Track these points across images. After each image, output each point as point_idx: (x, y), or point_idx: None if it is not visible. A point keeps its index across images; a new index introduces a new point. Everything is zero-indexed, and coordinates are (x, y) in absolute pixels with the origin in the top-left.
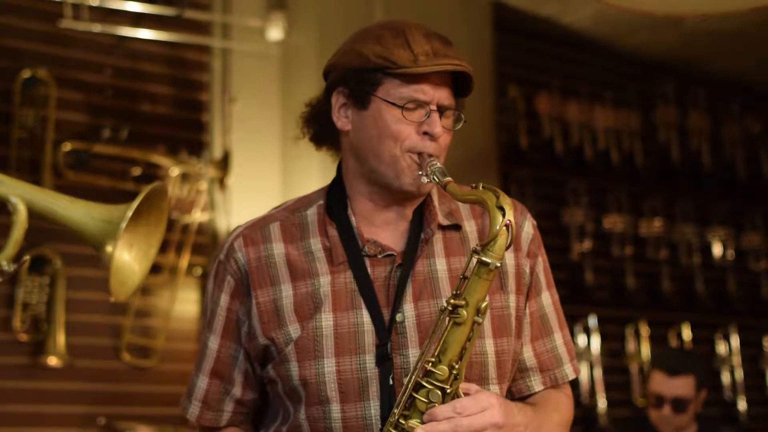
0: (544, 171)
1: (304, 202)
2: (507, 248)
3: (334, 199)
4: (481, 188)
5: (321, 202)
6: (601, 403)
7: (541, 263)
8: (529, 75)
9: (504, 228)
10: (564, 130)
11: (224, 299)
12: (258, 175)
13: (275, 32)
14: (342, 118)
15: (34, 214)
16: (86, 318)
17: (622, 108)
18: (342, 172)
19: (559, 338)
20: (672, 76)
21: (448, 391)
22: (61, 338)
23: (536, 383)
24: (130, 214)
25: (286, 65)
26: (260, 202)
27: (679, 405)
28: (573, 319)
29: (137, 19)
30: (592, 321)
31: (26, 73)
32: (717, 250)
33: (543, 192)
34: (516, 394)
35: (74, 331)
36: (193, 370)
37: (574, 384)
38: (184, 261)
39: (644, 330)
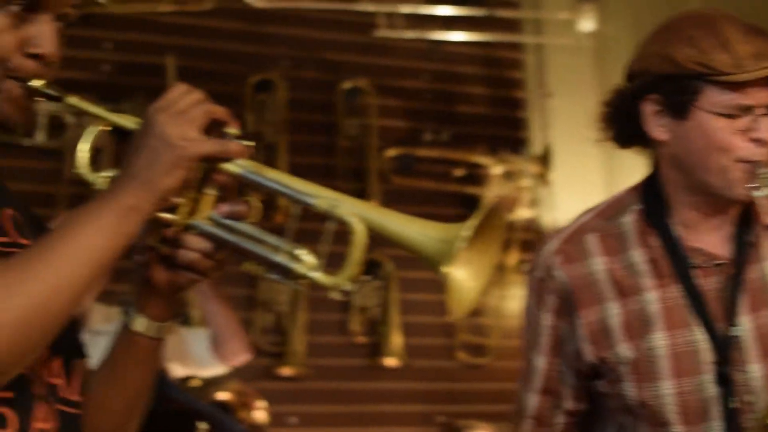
0: None
1: (618, 207)
2: None
3: (652, 206)
4: None
5: (635, 207)
6: None
7: None
8: None
9: None
10: None
11: (547, 318)
12: (580, 168)
13: (587, 23)
14: (657, 128)
15: (371, 233)
16: (420, 319)
17: None
18: (658, 178)
19: None
20: None
21: None
22: (397, 339)
23: None
24: (468, 234)
25: (601, 56)
26: (584, 196)
27: None
28: None
29: (449, 23)
30: None
31: (347, 84)
32: None
33: None
34: None
35: (409, 332)
36: (519, 386)
37: None
38: (512, 258)
39: None
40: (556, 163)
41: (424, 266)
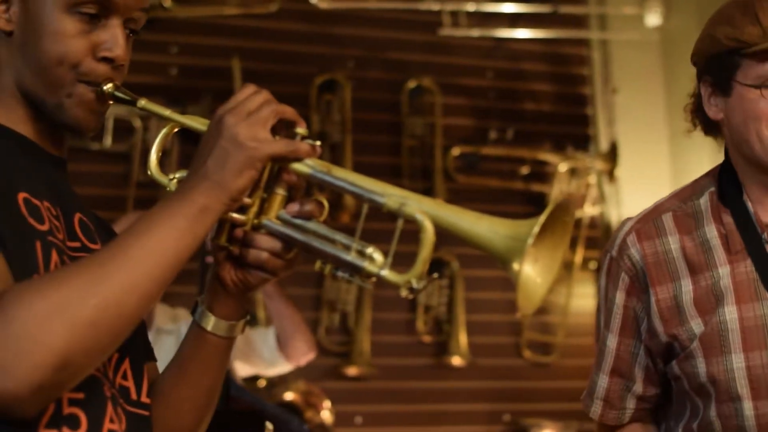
0: None
1: (695, 189)
2: None
3: (727, 186)
4: None
5: (712, 188)
6: None
7: None
8: None
9: None
10: None
11: (620, 297)
12: (647, 164)
13: (653, 18)
14: (712, 108)
15: (439, 230)
16: (485, 317)
17: None
18: (731, 158)
19: None
20: None
21: None
22: (462, 338)
23: None
24: (537, 230)
25: (667, 51)
26: (651, 192)
27: None
28: None
29: (514, 20)
30: None
31: (412, 84)
32: None
33: None
34: None
35: (475, 331)
36: (593, 368)
37: None
38: (579, 256)
39: None
40: (622, 160)
41: (489, 264)
